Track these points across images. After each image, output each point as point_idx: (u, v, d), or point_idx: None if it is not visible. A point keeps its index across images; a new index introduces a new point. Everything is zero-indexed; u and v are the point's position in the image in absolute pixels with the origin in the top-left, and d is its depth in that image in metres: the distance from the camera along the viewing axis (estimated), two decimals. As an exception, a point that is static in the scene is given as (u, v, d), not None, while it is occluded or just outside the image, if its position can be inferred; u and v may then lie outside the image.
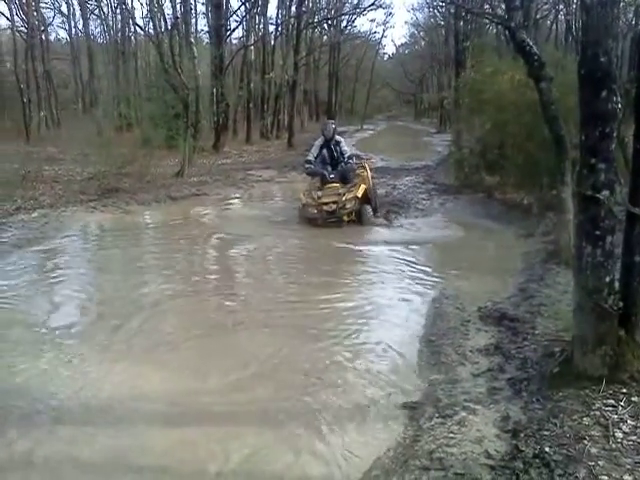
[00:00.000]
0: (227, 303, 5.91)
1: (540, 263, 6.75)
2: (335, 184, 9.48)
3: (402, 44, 64.71)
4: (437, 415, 3.53)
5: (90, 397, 3.96)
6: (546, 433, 3.11)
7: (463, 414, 3.50)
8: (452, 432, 3.31)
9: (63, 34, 52.57)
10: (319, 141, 10.05)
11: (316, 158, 9.85)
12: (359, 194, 9.22)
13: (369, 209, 9.46)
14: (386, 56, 65.98)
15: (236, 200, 12.62)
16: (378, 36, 56.94)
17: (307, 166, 9.95)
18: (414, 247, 8.01)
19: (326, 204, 9.08)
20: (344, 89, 48.84)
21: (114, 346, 4.82)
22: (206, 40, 27.81)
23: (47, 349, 4.73)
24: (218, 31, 21.55)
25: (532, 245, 7.69)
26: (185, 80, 15.45)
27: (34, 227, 9.03)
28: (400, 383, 4.09)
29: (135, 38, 30.83)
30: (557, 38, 28.31)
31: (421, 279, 6.56)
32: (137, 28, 28.24)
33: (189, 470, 3.21)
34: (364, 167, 10.50)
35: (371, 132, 38.82)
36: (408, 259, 7.42)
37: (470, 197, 11.17)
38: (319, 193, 9.30)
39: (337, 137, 10.06)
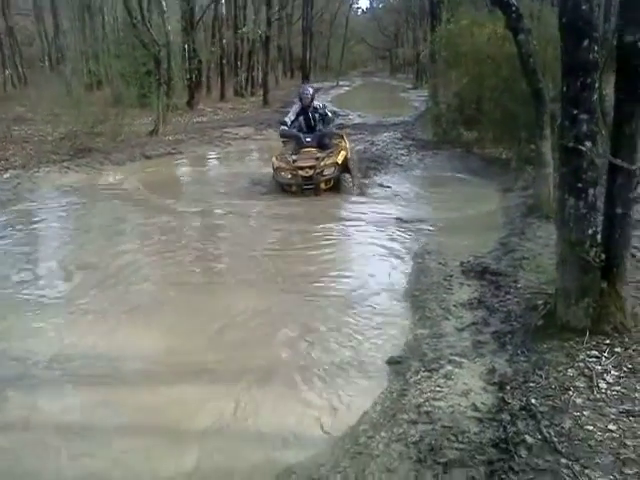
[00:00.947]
0: (206, 264, 5.86)
1: (520, 217, 6.76)
2: (312, 148, 8.56)
3: (376, -2, 63.58)
4: (423, 369, 3.54)
5: (72, 357, 3.91)
6: (532, 385, 3.14)
7: (449, 368, 3.52)
8: (439, 386, 3.33)
9: (25, -12, 50.43)
10: (296, 107, 9.14)
11: (291, 124, 8.89)
12: (339, 160, 8.36)
13: (348, 177, 8.61)
14: (360, 11, 65.09)
15: (212, 159, 12.41)
16: (352, -11, 55.64)
17: (282, 128, 8.86)
18: (394, 205, 7.97)
19: (302, 169, 8.17)
20: (318, 45, 47.97)
21: (93, 307, 4.77)
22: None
23: (26, 311, 4.65)
24: (188, -16, 20.85)
25: (512, 199, 7.71)
26: (155, 36, 15.00)
27: (6, 188, 8.81)
28: (385, 338, 4.11)
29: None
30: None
31: (402, 236, 6.54)
32: (103, -19, 27.20)
33: (179, 428, 3.19)
34: (342, 137, 9.41)
35: (347, 88, 38.39)
36: (387, 215, 7.38)
37: (449, 152, 11.12)
38: (294, 157, 8.39)
39: (316, 103, 9.11)
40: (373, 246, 6.23)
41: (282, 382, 3.60)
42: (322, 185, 8.27)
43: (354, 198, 8.32)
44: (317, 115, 8.93)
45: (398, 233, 6.64)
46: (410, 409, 3.13)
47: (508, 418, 2.92)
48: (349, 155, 8.97)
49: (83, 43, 25.86)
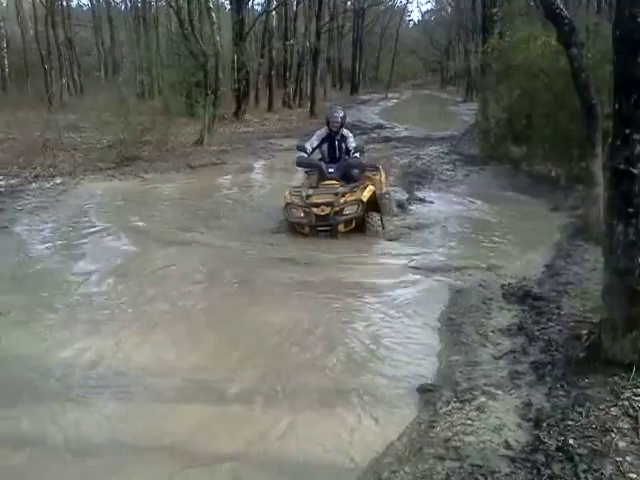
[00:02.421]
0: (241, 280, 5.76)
1: (567, 239, 6.50)
2: (334, 181, 7.14)
3: (428, 10, 63.93)
4: (455, 400, 3.35)
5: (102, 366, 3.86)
6: (570, 423, 2.93)
7: (482, 399, 3.33)
8: (470, 419, 3.14)
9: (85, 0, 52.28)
10: (322, 132, 7.53)
11: (311, 152, 7.44)
12: (364, 197, 6.81)
13: (377, 218, 7.04)
14: (411, 23, 64.85)
15: (255, 171, 12.44)
16: (403, 2, 55.80)
17: (299, 154, 7.35)
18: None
19: (317, 205, 6.73)
20: (368, 57, 48.15)
21: (125, 315, 4.73)
22: (227, 6, 27.39)
23: (53, 321, 4.65)
24: (239, -4, 21.15)
25: (559, 219, 7.43)
26: (204, 47, 15.20)
27: (51, 195, 9.00)
28: (417, 364, 3.91)
29: (156, 4, 30.50)
30: (589, 2, 27.25)
31: (442, 253, 6.34)
32: (157, -6, 27.93)
33: (206, 452, 3.08)
34: (377, 169, 8.08)
35: (395, 101, 38.25)
36: (430, 233, 7.18)
37: (496, 169, 10.90)
38: (309, 191, 7.02)
39: (344, 131, 7.48)
40: (409, 263, 6.01)
41: (309, 407, 3.44)
42: (341, 227, 6.80)
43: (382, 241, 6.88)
44: (344, 145, 7.38)
45: (435, 251, 6.43)
46: (438, 443, 2.95)
47: (543, 459, 2.72)
48: (383, 189, 7.77)
49: (137, 54, 26.53)
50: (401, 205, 8.46)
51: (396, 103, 36.54)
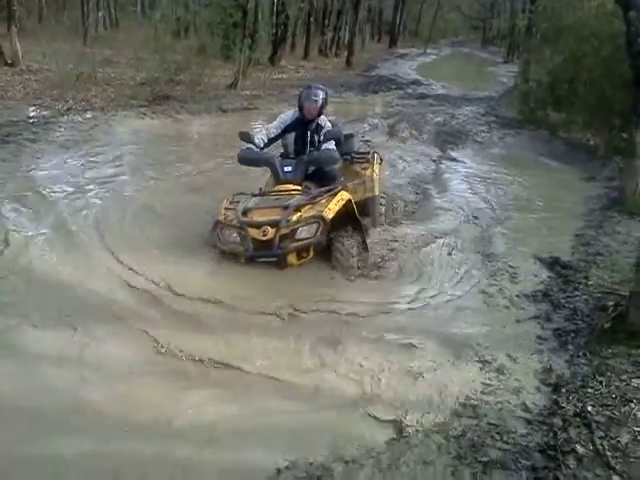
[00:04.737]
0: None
1: (601, 209, 6.38)
2: (292, 186, 4.74)
3: (476, -37, 60.95)
4: (475, 359, 3.36)
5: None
6: (590, 391, 2.94)
7: (502, 361, 3.34)
8: (489, 379, 3.16)
9: None
10: (288, 115, 5.15)
11: (267, 144, 5.06)
12: (329, 211, 4.38)
13: (350, 242, 4.57)
14: (458, -24, 62.46)
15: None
16: (452, -47, 53.60)
17: (245, 148, 4.91)
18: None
19: (256, 226, 4.37)
20: (410, 9, 46.61)
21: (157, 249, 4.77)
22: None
23: (86, 250, 4.72)
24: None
25: (594, 190, 7.27)
26: (244, -14, 14.89)
27: (83, 129, 8.99)
28: (440, 322, 3.89)
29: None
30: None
31: (472, 215, 6.24)
32: None
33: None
34: (368, 159, 5.62)
35: (434, 57, 37.21)
36: (461, 195, 7.08)
37: (532, 133, 10.69)
38: (250, 202, 4.61)
39: (322, 118, 5.05)
40: (439, 225, 5.92)
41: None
42: (292, 257, 4.45)
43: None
44: (317, 137, 5.01)
45: (465, 212, 6.34)
46: (455, 400, 2.98)
47: (560, 423, 2.74)
48: (376, 190, 5.47)
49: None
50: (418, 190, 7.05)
51: (434, 59, 35.54)
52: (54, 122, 9.09)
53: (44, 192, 6.06)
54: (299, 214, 4.40)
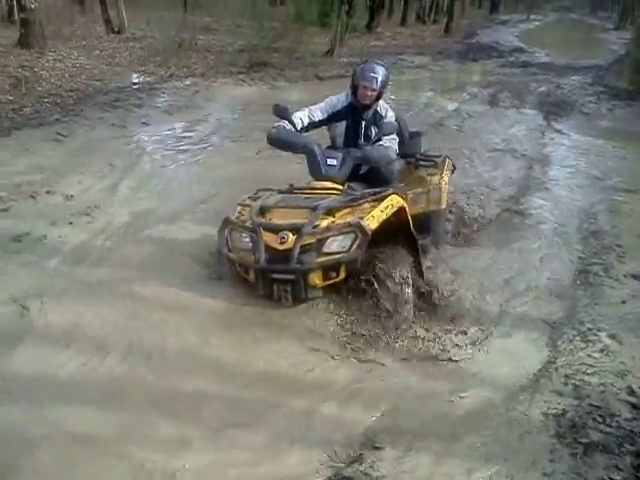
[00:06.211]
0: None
1: None
2: (330, 184, 3.64)
3: None
4: (578, 339, 3.24)
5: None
6: None
7: (607, 341, 3.20)
8: (593, 359, 3.04)
9: None
10: (339, 99, 4.05)
11: (309, 127, 3.98)
12: (371, 220, 3.23)
13: (402, 272, 3.35)
14: None
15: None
16: None
17: (277, 125, 3.84)
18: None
19: (273, 230, 3.29)
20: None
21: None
22: None
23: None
24: None
25: None
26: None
27: (185, 95, 9.24)
28: (540, 299, 3.73)
29: None
30: None
31: (578, 196, 5.90)
32: None
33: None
34: (436, 163, 4.34)
35: (538, 23, 35.40)
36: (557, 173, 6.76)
37: (645, 105, 9.97)
38: (271, 199, 3.62)
39: (381, 105, 4.03)
40: (541, 201, 5.71)
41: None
42: (317, 277, 3.27)
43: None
44: (373, 131, 3.91)
45: (569, 188, 6.06)
46: (557, 378, 2.89)
47: (668, 412, 2.60)
48: (442, 203, 4.30)
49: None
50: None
51: (538, 26, 33.81)
52: (158, 88, 9.41)
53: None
54: (331, 219, 3.31)
